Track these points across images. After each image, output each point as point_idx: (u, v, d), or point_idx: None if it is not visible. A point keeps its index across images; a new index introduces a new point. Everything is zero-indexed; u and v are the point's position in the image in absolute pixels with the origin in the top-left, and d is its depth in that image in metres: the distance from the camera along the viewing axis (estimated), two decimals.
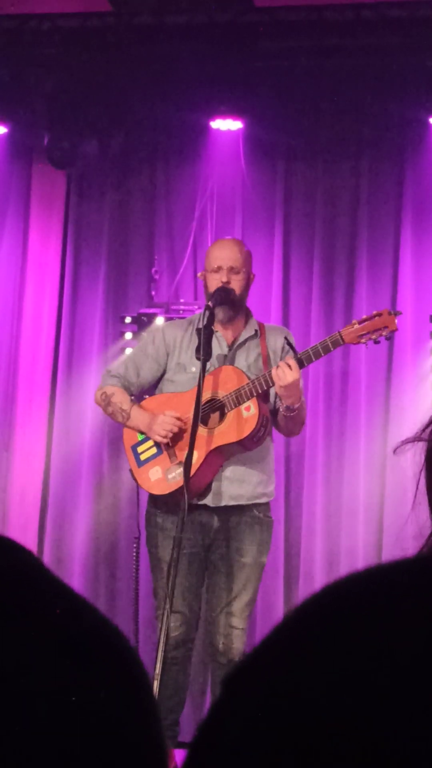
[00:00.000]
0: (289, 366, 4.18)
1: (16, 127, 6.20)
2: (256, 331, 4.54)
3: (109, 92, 5.98)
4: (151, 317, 5.85)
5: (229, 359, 4.48)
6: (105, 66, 5.88)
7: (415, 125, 5.89)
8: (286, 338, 4.42)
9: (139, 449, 4.51)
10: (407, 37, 5.64)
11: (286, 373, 4.17)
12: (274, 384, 4.24)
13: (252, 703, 0.54)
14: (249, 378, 4.33)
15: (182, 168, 6.24)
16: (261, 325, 4.59)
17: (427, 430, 1.10)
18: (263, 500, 4.46)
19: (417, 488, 1.08)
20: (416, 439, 1.10)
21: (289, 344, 4.33)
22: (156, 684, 3.84)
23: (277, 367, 4.21)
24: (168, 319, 5.68)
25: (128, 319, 6.01)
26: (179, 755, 4.45)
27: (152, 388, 4.65)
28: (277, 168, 6.18)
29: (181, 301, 6.05)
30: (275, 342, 4.51)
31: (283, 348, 4.45)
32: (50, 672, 0.61)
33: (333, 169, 6.12)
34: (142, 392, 4.67)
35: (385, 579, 0.57)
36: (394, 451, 1.18)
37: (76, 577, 5.97)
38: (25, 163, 6.38)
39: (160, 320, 5.75)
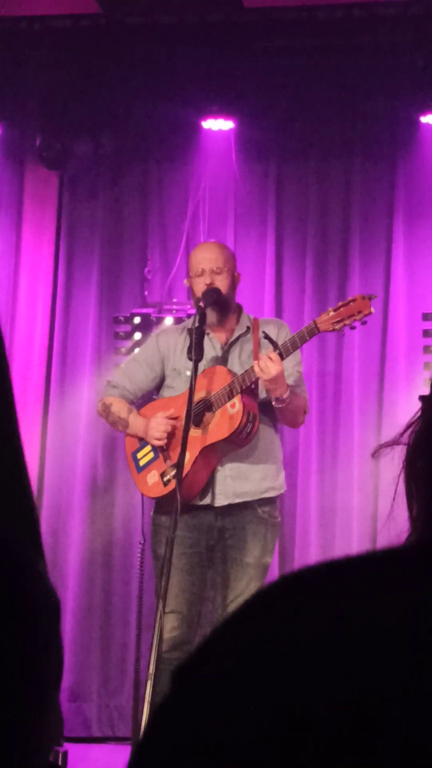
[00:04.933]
0: (271, 359, 4.18)
1: (8, 128, 6.21)
2: (248, 327, 4.57)
3: (101, 93, 5.99)
4: (144, 317, 5.87)
5: (221, 359, 4.50)
6: (96, 67, 5.89)
7: (407, 124, 5.91)
8: (263, 332, 4.42)
9: (138, 455, 4.56)
10: (398, 35, 5.65)
11: (269, 366, 4.17)
12: (258, 378, 4.25)
13: (202, 696, 0.56)
14: (234, 375, 4.36)
15: (174, 168, 6.25)
16: (255, 320, 4.61)
17: (406, 434, 1.11)
18: (271, 494, 4.46)
19: (395, 491, 1.09)
20: (395, 442, 1.11)
21: (267, 337, 4.33)
22: (150, 684, 3.84)
23: (260, 362, 4.22)
24: (160, 319, 5.71)
25: (121, 320, 6.03)
26: None
27: (152, 394, 4.69)
28: (269, 167, 6.19)
29: (174, 301, 6.06)
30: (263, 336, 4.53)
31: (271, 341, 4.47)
32: None
33: (325, 168, 6.13)
34: (145, 399, 4.72)
35: (336, 570, 0.58)
36: (373, 455, 1.19)
37: (71, 579, 5.97)
38: (18, 164, 6.38)
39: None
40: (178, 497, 4.06)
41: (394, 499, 1.11)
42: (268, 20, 5.67)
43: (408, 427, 1.11)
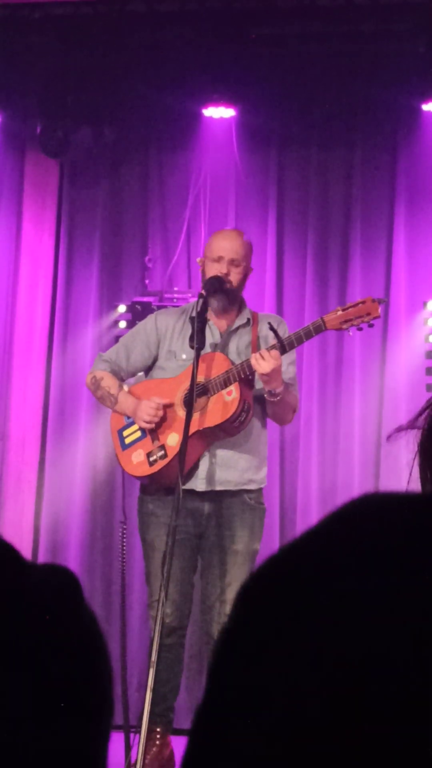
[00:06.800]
0: (263, 356, 4.20)
1: (8, 116, 6.20)
2: (248, 319, 4.57)
3: (102, 81, 5.98)
4: (145, 306, 5.86)
5: (220, 347, 4.50)
6: (97, 54, 5.87)
7: (408, 112, 5.90)
8: (269, 323, 4.41)
9: (125, 433, 4.55)
10: (400, 23, 5.63)
11: (260, 363, 4.21)
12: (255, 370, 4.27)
13: (269, 612, 0.56)
14: (233, 364, 4.36)
15: (175, 156, 6.24)
16: (255, 314, 4.61)
17: (420, 418, 1.11)
18: (252, 486, 4.46)
19: (410, 475, 1.09)
20: (409, 426, 1.11)
21: (272, 329, 4.33)
22: (152, 672, 3.85)
23: (259, 355, 4.24)
24: (161, 308, 5.69)
25: (122, 308, 6.03)
26: (174, 741, 4.47)
27: (144, 374, 4.68)
28: (270, 155, 6.18)
29: (175, 289, 6.06)
30: (267, 329, 4.52)
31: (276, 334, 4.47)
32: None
33: (326, 156, 6.12)
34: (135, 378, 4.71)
35: (404, 499, 0.59)
36: (388, 439, 1.19)
37: (71, 563, 5.98)
38: (18, 152, 6.38)
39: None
40: (180, 489, 4.05)
41: (408, 482, 1.10)
42: (270, 7, 5.65)
43: (422, 411, 1.11)
